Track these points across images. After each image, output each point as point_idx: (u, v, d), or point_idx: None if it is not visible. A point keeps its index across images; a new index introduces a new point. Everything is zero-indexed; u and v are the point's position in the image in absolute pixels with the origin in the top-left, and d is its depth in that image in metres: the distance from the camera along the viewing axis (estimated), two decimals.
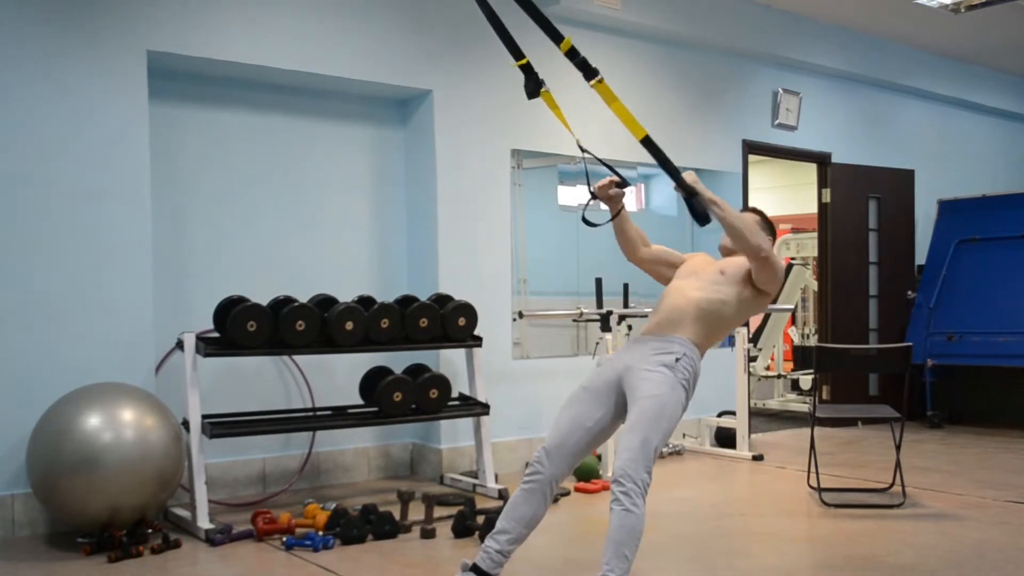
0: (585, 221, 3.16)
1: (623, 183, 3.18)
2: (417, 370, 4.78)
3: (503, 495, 4.58)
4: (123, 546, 3.61)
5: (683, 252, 3.43)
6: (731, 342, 6.29)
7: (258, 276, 4.86)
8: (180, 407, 4.14)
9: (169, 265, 4.65)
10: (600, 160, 3.15)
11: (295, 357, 4.98)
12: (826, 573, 3.44)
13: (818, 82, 7.43)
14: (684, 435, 6.22)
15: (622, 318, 5.42)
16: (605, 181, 3.18)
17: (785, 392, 8.69)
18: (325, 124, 5.26)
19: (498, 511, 3.01)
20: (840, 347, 5.14)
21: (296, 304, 4.25)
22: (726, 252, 3.31)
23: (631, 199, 6.51)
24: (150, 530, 3.82)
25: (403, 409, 4.53)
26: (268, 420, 4.55)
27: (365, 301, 4.57)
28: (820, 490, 4.61)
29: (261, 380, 4.94)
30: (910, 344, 4.80)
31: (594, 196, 3.20)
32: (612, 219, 3.28)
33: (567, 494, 4.79)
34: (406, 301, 4.67)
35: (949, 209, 7.82)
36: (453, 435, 5.29)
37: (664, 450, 5.87)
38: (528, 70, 3.00)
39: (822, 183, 7.50)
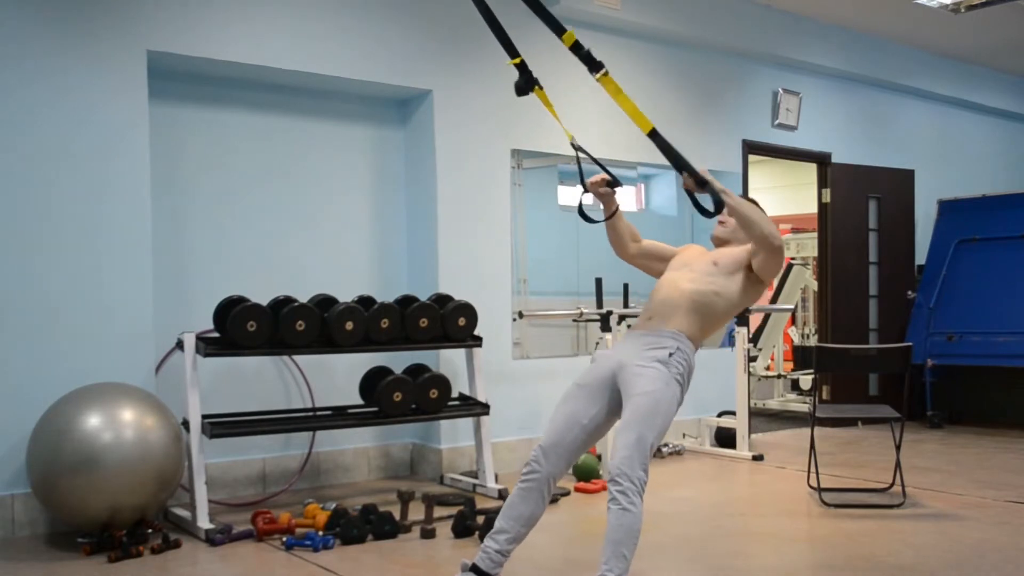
0: (582, 215, 3.16)
1: (614, 182, 3.18)
2: (417, 370, 4.78)
3: (503, 495, 4.58)
4: (123, 546, 3.61)
5: None
6: (731, 342, 6.29)
7: (258, 276, 4.86)
8: (180, 407, 4.14)
9: (169, 265, 4.65)
10: (593, 159, 3.15)
11: (295, 357, 4.99)
12: (826, 573, 3.44)
13: (818, 82, 7.43)
14: (684, 435, 6.23)
15: (622, 318, 5.42)
16: (597, 178, 3.18)
17: (785, 392, 8.69)
18: (325, 124, 5.26)
19: (498, 511, 3.01)
20: (840, 347, 5.14)
21: (296, 304, 4.25)
22: (719, 243, 3.29)
23: (631, 199, 6.52)
24: (150, 530, 3.82)
25: (403, 409, 4.53)
26: (268, 420, 4.55)
27: (365, 301, 4.57)
28: (820, 490, 4.61)
29: (261, 380, 4.94)
30: (910, 344, 4.80)
31: (586, 190, 3.18)
32: (607, 219, 3.28)
33: (567, 494, 4.79)
34: (406, 301, 4.67)
35: (949, 209, 7.82)
36: (453, 435, 5.29)
37: (664, 450, 5.87)
38: (522, 68, 2.99)
39: (822, 183, 7.51)
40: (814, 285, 8.80)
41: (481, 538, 3.59)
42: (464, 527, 3.89)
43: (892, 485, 4.71)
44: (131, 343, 4.30)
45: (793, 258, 9.46)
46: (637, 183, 6.52)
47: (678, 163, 2.89)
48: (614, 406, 2.99)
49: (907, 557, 3.58)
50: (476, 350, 4.86)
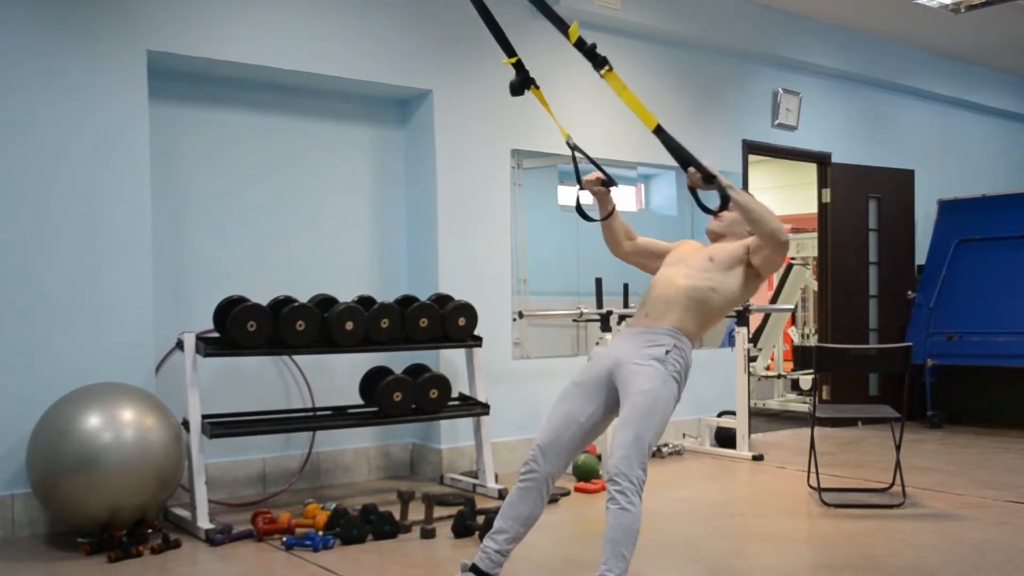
0: (580, 212, 3.16)
1: (609, 181, 3.18)
2: (417, 370, 4.78)
3: (503, 495, 4.57)
4: (123, 546, 3.61)
5: None
6: (731, 342, 6.29)
7: (258, 276, 4.86)
8: (180, 407, 4.14)
9: (169, 265, 4.65)
10: (589, 158, 3.16)
11: (295, 357, 4.99)
12: (826, 573, 3.44)
13: (818, 82, 7.43)
14: (684, 435, 6.23)
15: (622, 318, 5.42)
16: (592, 176, 3.18)
17: (785, 392, 8.69)
18: (325, 124, 5.26)
19: (498, 511, 3.01)
20: (840, 347, 5.14)
21: (296, 304, 4.25)
22: (714, 237, 3.27)
23: (631, 199, 6.52)
24: (150, 530, 3.82)
25: (403, 409, 4.53)
26: (268, 420, 4.55)
27: (365, 301, 4.57)
28: (820, 490, 4.61)
29: (261, 380, 4.94)
30: (910, 344, 4.80)
31: (582, 187, 3.18)
32: (604, 219, 3.28)
33: (567, 494, 4.79)
34: (406, 301, 4.67)
35: (949, 209, 7.82)
36: (453, 435, 5.29)
37: (664, 450, 5.87)
38: (518, 67, 2.99)
39: (822, 183, 7.51)
40: (814, 285, 8.80)
41: (481, 538, 3.59)
42: (464, 527, 3.89)
43: (892, 485, 4.71)
44: (131, 343, 4.30)
45: (793, 258, 9.45)
46: (637, 183, 6.52)
47: (685, 159, 2.86)
48: (611, 404, 2.98)
49: (907, 557, 3.58)
50: (476, 350, 4.86)
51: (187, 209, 4.78)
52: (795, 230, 10.47)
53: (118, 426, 3.75)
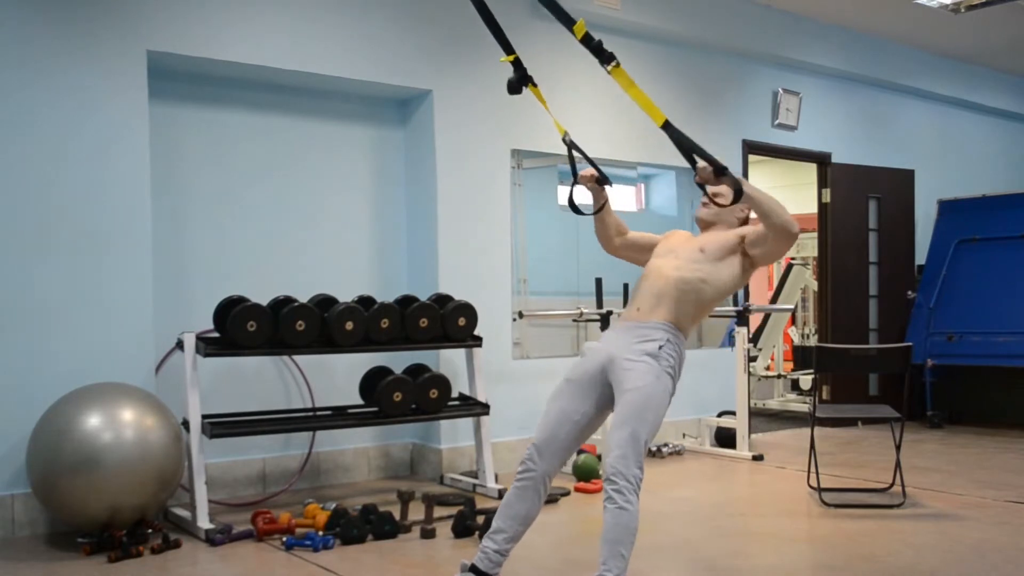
0: (572, 206, 3.15)
1: (603, 179, 3.19)
2: (417, 370, 4.78)
3: (503, 495, 4.55)
4: (123, 546, 3.61)
5: None
6: (731, 342, 6.29)
7: (258, 276, 4.86)
8: (180, 407, 4.14)
9: (169, 265, 4.65)
10: (585, 156, 3.16)
11: (295, 357, 4.99)
12: (826, 573, 3.44)
13: (818, 82, 7.43)
14: (684, 435, 6.23)
15: None
16: (587, 172, 3.18)
17: (785, 392, 8.69)
18: (325, 124, 5.26)
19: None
20: (840, 347, 5.14)
21: (296, 304, 4.25)
22: (704, 225, 3.24)
23: (631, 199, 6.52)
24: (150, 530, 3.82)
25: (403, 409, 4.53)
26: (268, 420, 4.55)
27: (365, 301, 4.57)
28: (820, 490, 4.61)
29: (261, 380, 4.94)
30: (910, 344, 4.80)
31: (576, 182, 3.18)
32: (596, 212, 3.27)
33: (567, 494, 4.79)
34: (406, 301, 4.67)
35: (949, 209, 7.82)
36: (453, 435, 5.29)
37: (664, 450, 5.87)
38: (517, 65, 2.99)
39: (822, 183, 7.51)
40: (814, 285, 8.80)
41: (480, 538, 3.59)
42: (464, 527, 3.89)
43: (892, 485, 4.71)
44: (131, 343, 4.30)
45: (793, 258, 9.45)
46: (637, 183, 6.52)
47: (695, 153, 2.81)
48: (606, 400, 2.97)
49: (907, 557, 3.58)
50: (476, 350, 4.86)
51: (187, 209, 4.78)
52: None
53: (118, 426, 3.74)
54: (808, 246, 9.36)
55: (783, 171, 10.83)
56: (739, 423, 5.94)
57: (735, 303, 6.26)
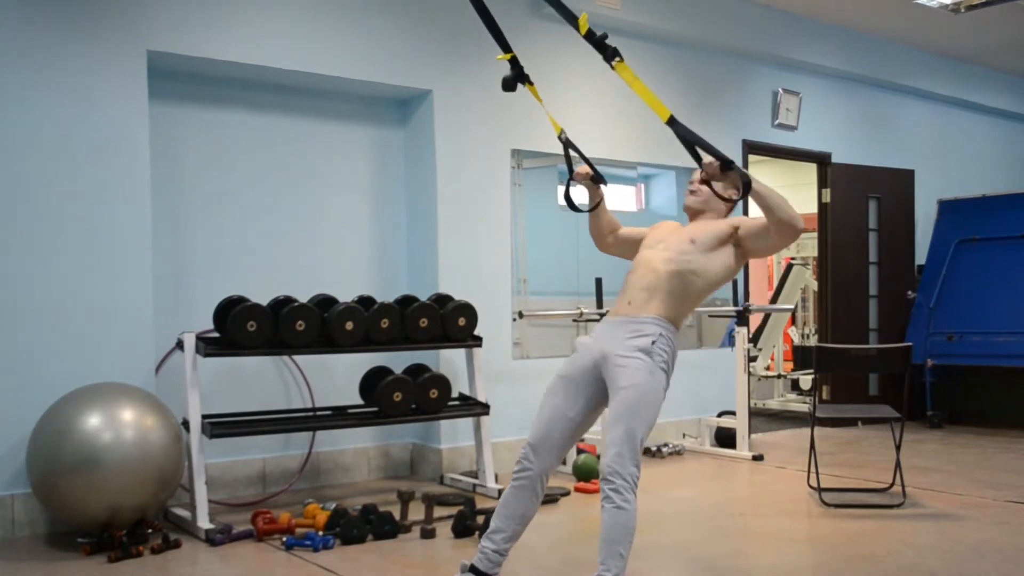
0: (569, 202, 3.15)
1: (598, 178, 3.19)
2: (417, 370, 4.78)
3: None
4: (123, 546, 3.61)
5: None
6: (731, 342, 6.29)
7: (258, 276, 4.86)
8: (180, 407, 4.14)
9: (169, 265, 4.66)
10: (581, 155, 3.16)
11: (295, 357, 4.99)
12: (826, 573, 3.44)
13: (818, 82, 7.43)
14: (684, 435, 6.23)
15: None
16: (583, 170, 3.18)
17: (785, 392, 8.69)
18: (325, 124, 5.26)
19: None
20: (840, 347, 5.14)
21: (296, 304, 4.25)
22: (693, 214, 3.19)
23: (632, 199, 6.52)
24: (150, 530, 3.82)
25: (403, 409, 4.53)
26: (268, 420, 4.55)
27: (365, 301, 4.57)
28: (820, 490, 4.61)
29: (261, 380, 4.94)
30: (910, 344, 4.80)
31: (572, 179, 3.19)
32: (591, 209, 3.27)
33: (567, 494, 4.79)
34: (406, 301, 4.67)
35: (949, 209, 7.82)
36: (453, 435, 5.29)
37: (664, 450, 5.87)
38: (513, 63, 2.99)
39: (822, 183, 7.51)
40: (814, 285, 8.80)
41: (480, 538, 3.59)
42: (464, 527, 3.89)
43: (892, 485, 4.71)
44: (131, 343, 4.30)
45: (793, 258, 9.45)
46: (637, 183, 6.52)
47: (701, 148, 2.78)
48: (599, 396, 2.95)
49: (907, 557, 3.58)
50: (476, 350, 4.86)
51: (187, 209, 4.78)
52: None
53: (118, 426, 3.74)
54: (808, 246, 9.37)
55: (783, 171, 10.82)
56: (739, 423, 5.94)
57: (735, 303, 6.26)
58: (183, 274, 4.74)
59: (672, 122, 2.80)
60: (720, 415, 6.29)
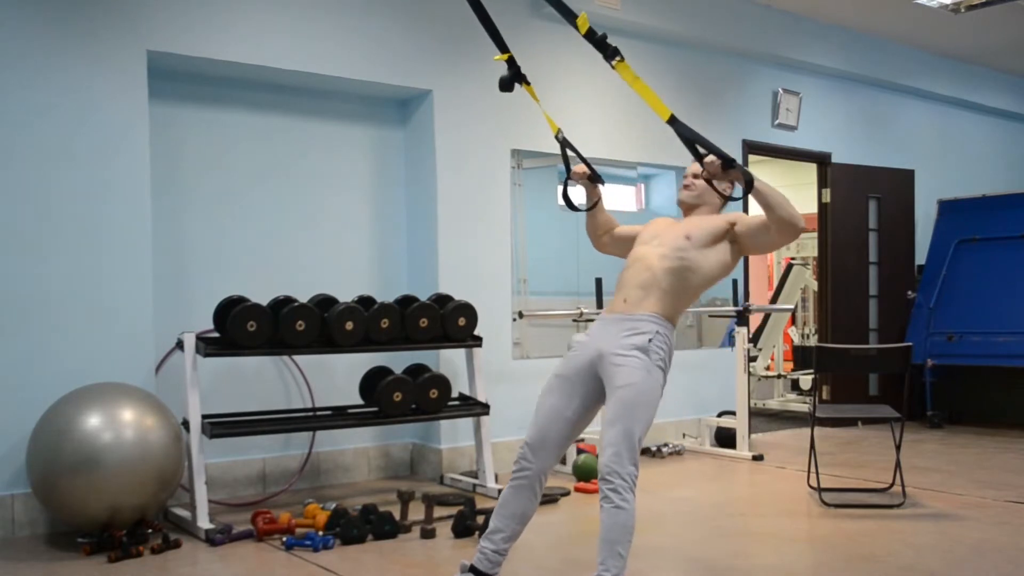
0: (567, 200, 3.15)
1: (595, 177, 3.20)
2: (417, 370, 4.78)
3: None
4: (123, 546, 3.61)
5: None
6: (731, 342, 6.29)
7: (258, 276, 4.86)
8: (180, 407, 4.14)
9: (169, 265, 4.65)
10: (579, 154, 3.17)
11: (295, 357, 4.98)
12: (826, 573, 3.44)
13: (818, 82, 7.43)
14: (684, 435, 6.23)
15: None
16: (580, 169, 3.18)
17: (785, 392, 8.69)
18: (325, 124, 5.26)
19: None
20: (840, 347, 5.14)
21: (296, 304, 4.25)
22: (687, 208, 3.18)
23: (632, 199, 6.52)
24: (150, 530, 3.82)
25: (403, 409, 4.53)
26: (268, 420, 4.55)
27: (365, 301, 4.57)
28: (820, 490, 4.61)
29: (261, 380, 4.94)
30: (910, 344, 4.80)
31: (569, 178, 3.19)
32: (588, 208, 3.27)
33: (567, 494, 4.79)
34: (406, 301, 4.67)
35: (949, 209, 7.82)
36: (453, 435, 5.29)
37: (664, 450, 5.87)
38: (511, 63, 2.99)
39: (822, 183, 7.51)
40: (814, 285, 8.80)
41: (480, 538, 3.60)
42: (464, 527, 3.89)
43: (892, 485, 4.71)
44: (131, 343, 4.30)
45: (793, 258, 9.45)
46: (637, 183, 6.52)
47: (701, 146, 2.78)
48: (597, 395, 2.94)
49: (907, 557, 3.58)
50: (476, 350, 4.86)
51: (187, 209, 4.78)
52: None
53: (118, 426, 3.74)
54: (808, 246, 9.37)
55: (783, 171, 10.82)
56: (739, 423, 5.94)
57: (735, 303, 6.26)
58: (183, 274, 4.74)
59: (673, 121, 2.79)
60: (720, 415, 6.29)
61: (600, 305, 5.42)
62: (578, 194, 3.28)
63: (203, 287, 4.70)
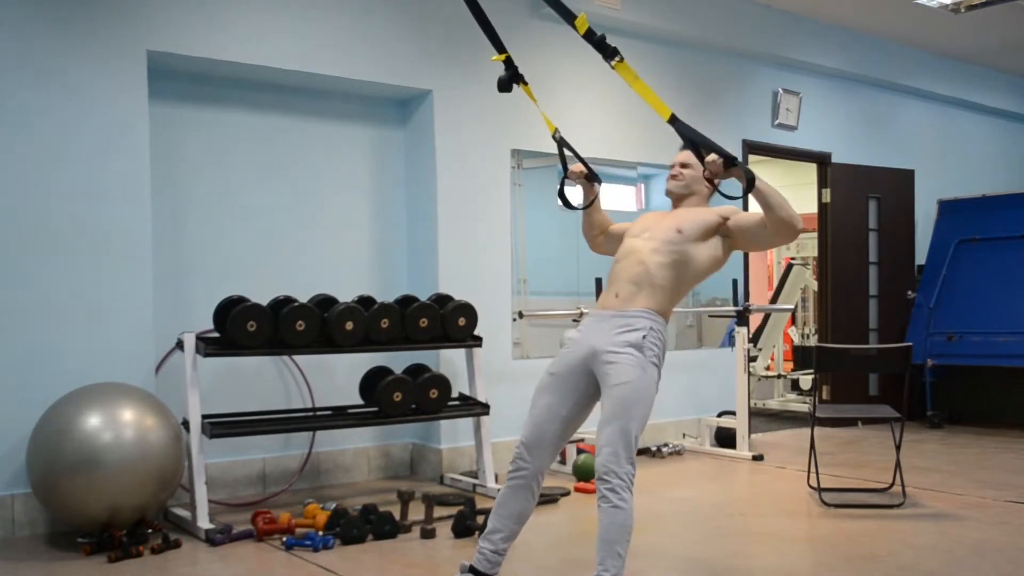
0: (563, 199, 3.15)
1: (592, 177, 3.20)
2: (417, 370, 4.78)
3: None
4: (123, 546, 3.61)
5: None
6: (731, 342, 6.29)
7: (258, 276, 4.86)
8: (180, 407, 4.14)
9: (169, 265, 4.65)
10: (576, 154, 3.17)
11: (295, 357, 4.98)
12: (826, 573, 3.44)
13: (818, 82, 7.43)
14: (684, 435, 6.23)
15: None
16: (577, 168, 3.19)
17: (785, 392, 8.69)
18: (325, 124, 5.26)
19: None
20: (840, 347, 5.14)
21: (296, 304, 4.25)
22: (676, 199, 3.16)
23: (632, 199, 6.51)
24: (150, 530, 3.82)
25: (403, 409, 4.53)
26: (268, 420, 4.55)
27: (365, 301, 4.57)
28: (820, 490, 4.60)
29: (261, 380, 4.94)
30: (910, 344, 4.80)
31: (566, 176, 3.19)
32: (585, 207, 3.28)
33: (567, 494, 4.79)
34: (406, 301, 4.67)
35: (949, 209, 7.82)
36: (453, 435, 5.29)
37: (664, 450, 5.87)
38: (508, 64, 2.99)
39: (822, 183, 7.51)
40: (814, 285, 8.80)
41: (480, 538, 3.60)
42: (464, 527, 3.89)
43: (892, 485, 4.71)
44: (131, 343, 4.30)
45: (793, 258, 9.45)
46: (637, 183, 6.52)
47: (703, 146, 2.76)
48: (591, 391, 2.92)
49: (907, 557, 3.58)
50: (476, 350, 4.86)
51: (187, 209, 4.78)
52: None
53: (118, 426, 3.74)
54: (808, 246, 9.36)
55: (783, 171, 10.82)
56: (739, 423, 5.94)
57: (735, 303, 6.26)
58: (183, 274, 4.74)
59: (673, 120, 2.80)
60: (720, 415, 6.29)
61: None
62: (576, 194, 3.28)
63: (203, 287, 4.70)
